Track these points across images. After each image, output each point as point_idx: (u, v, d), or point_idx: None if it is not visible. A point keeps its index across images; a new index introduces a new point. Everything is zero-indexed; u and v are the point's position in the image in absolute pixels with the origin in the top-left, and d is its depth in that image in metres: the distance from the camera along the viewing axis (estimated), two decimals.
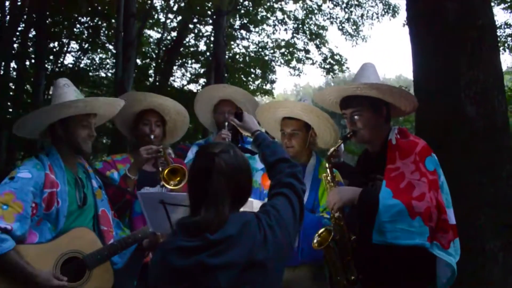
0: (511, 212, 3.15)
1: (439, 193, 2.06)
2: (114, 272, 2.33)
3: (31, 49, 12.24)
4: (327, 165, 2.37)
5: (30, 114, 2.25)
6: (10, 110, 9.97)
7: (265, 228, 1.51)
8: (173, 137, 3.18)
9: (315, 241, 2.29)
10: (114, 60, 15.10)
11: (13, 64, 11.67)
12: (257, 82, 17.11)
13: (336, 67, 16.08)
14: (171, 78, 15.68)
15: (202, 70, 16.52)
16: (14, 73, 12.09)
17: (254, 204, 2.11)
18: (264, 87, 17.16)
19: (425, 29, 3.67)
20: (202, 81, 16.54)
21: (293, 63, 16.39)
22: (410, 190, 2.01)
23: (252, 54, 16.50)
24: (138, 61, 15.24)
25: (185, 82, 17.29)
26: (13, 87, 11.34)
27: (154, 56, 16.32)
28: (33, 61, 11.68)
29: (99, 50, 15.19)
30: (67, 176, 2.26)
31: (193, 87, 16.89)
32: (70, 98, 2.24)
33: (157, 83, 14.18)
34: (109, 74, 15.77)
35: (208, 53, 15.58)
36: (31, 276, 1.99)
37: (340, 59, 15.82)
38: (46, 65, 14.15)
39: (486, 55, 3.37)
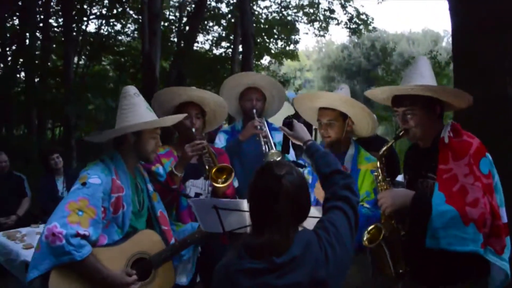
0: None
1: (493, 197, 2.02)
2: (179, 264, 2.53)
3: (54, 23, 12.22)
4: (378, 164, 2.34)
5: (110, 130, 2.34)
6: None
7: (325, 246, 1.53)
8: (212, 126, 3.20)
9: (364, 238, 2.29)
10: (136, 26, 15.08)
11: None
12: (279, 43, 16.84)
13: (362, 27, 15.62)
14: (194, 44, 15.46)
15: (224, 33, 16.32)
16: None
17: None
18: (287, 48, 16.88)
19: (468, 7, 3.54)
20: (224, 44, 16.39)
21: (316, 24, 15.98)
22: (464, 195, 1.98)
23: (275, 15, 16.14)
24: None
25: (207, 47, 17.14)
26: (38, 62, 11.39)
27: (176, 20, 16.17)
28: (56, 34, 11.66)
29: (120, 16, 15.07)
30: (129, 180, 2.35)
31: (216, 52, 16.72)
32: (142, 109, 2.33)
33: (181, 47, 14.05)
34: (130, 40, 15.71)
35: (230, 16, 15.33)
36: (108, 277, 2.12)
37: (366, 19, 15.34)
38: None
39: None
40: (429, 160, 2.21)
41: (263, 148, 3.15)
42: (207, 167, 2.70)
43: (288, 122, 2.18)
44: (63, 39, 11.16)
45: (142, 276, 2.28)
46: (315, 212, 1.89)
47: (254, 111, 3.33)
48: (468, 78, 3.56)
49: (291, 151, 3.33)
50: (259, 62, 17.01)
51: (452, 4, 3.78)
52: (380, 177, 2.32)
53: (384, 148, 2.34)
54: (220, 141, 3.50)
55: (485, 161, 2.08)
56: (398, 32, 38.07)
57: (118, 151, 2.37)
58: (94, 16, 14.65)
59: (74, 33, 14.61)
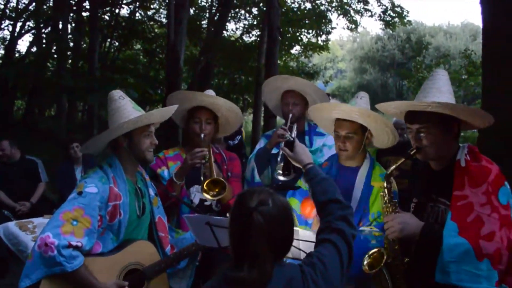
0: None
1: (511, 230, 1.87)
2: (175, 272, 2.50)
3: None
4: (385, 184, 2.19)
5: (98, 136, 2.31)
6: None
7: (309, 284, 1.46)
8: (226, 131, 3.15)
9: (365, 263, 2.17)
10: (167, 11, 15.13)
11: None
12: (311, 34, 16.56)
13: (396, 19, 15.15)
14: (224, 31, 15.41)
15: (255, 21, 16.19)
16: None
17: (300, 233, 2.06)
18: (319, 38, 16.60)
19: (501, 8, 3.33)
20: (255, 33, 16.26)
21: (347, 17, 15.59)
22: (479, 226, 1.85)
23: (307, 4, 15.86)
24: (191, 11, 15.13)
25: (238, 34, 17.04)
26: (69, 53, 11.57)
27: (207, 6, 16.14)
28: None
29: (151, 2, 15.17)
30: (128, 186, 2.33)
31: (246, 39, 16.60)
32: (129, 110, 2.28)
33: (210, 35, 14.03)
34: (161, 27, 15.78)
35: (261, 4, 15.17)
36: None
37: (401, 11, 14.86)
38: (103, 16, 14.41)
39: None
40: (442, 183, 2.07)
41: (278, 159, 3.01)
42: (202, 177, 2.67)
43: (289, 142, 2.08)
44: (87, 28, 11.25)
45: (135, 287, 2.25)
46: (311, 236, 1.83)
47: (290, 116, 3.19)
48: (497, 86, 3.37)
49: None
50: (289, 52, 16.82)
51: None
52: (386, 198, 2.18)
53: (392, 168, 2.18)
54: (260, 145, 3.40)
55: (504, 190, 1.93)
56: (435, 25, 36.82)
57: (116, 156, 2.34)
58: (126, 1, 14.78)
59: (107, 17, 14.83)
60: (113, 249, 2.25)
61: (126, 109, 2.28)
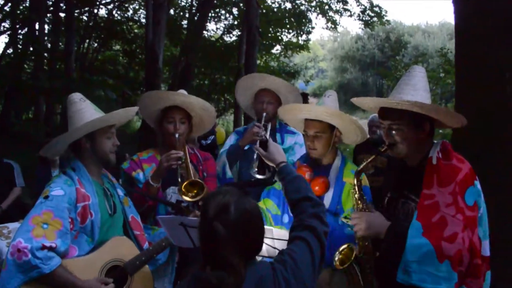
0: None
1: (475, 232, 1.89)
2: (156, 268, 2.48)
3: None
4: (355, 181, 2.22)
5: (56, 139, 2.28)
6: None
7: (280, 282, 1.47)
8: (200, 130, 3.14)
9: (336, 259, 2.19)
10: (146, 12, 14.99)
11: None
12: (291, 34, 16.62)
13: (375, 19, 15.33)
14: (204, 32, 15.35)
15: (236, 22, 16.17)
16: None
17: (274, 232, 2.07)
18: (299, 38, 16.66)
19: (473, 8, 3.37)
20: (235, 33, 16.23)
21: (330, 14, 15.72)
22: (442, 227, 1.86)
23: (287, 4, 15.91)
24: (172, 11, 15.03)
25: (218, 35, 17.00)
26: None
27: (187, 6, 16.05)
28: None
29: (130, 2, 15.02)
30: (96, 187, 2.31)
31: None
32: (90, 112, 2.27)
33: (190, 35, 13.95)
34: (140, 27, 15.64)
35: (241, 4, 15.16)
36: (83, 287, 2.07)
37: (379, 11, 15.04)
38: (81, 17, 14.20)
39: None
40: (413, 180, 2.08)
41: (254, 157, 3.01)
42: (179, 179, 2.65)
43: (263, 142, 2.09)
44: (63, 28, 11.07)
45: (118, 284, 2.24)
46: (286, 235, 1.83)
47: (264, 114, 3.19)
48: (469, 85, 3.41)
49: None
50: (270, 52, 16.85)
51: None
52: (356, 195, 2.20)
53: (362, 165, 2.21)
54: (230, 141, 3.41)
55: (471, 191, 1.93)
56: (414, 24, 37.29)
57: (79, 160, 2.32)
58: (104, 1, 14.60)
59: (86, 18, 14.60)
60: (89, 250, 2.22)
61: (88, 111, 2.27)
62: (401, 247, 1.88)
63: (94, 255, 2.22)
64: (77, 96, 2.32)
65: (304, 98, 5.19)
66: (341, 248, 2.22)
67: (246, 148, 3.16)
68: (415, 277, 1.84)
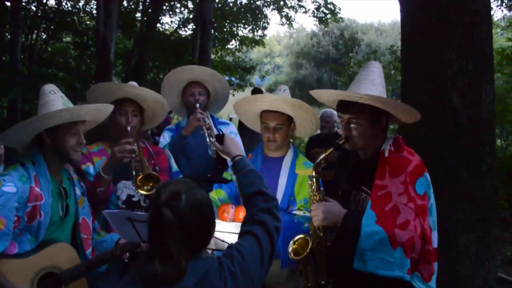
0: (487, 206, 3.14)
1: (426, 220, 1.96)
2: (97, 275, 2.37)
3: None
4: (313, 173, 2.22)
5: (15, 126, 2.16)
6: None
7: (226, 276, 1.46)
8: (152, 123, 3.10)
9: (290, 249, 2.20)
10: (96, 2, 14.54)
11: None
12: (247, 29, 16.64)
13: (329, 16, 15.62)
14: (158, 25, 15.08)
15: (191, 15, 15.97)
16: None
17: (222, 225, 2.08)
18: (255, 33, 16.71)
19: (417, 5, 3.50)
20: (190, 26, 16.05)
21: (285, 10, 15.87)
22: (395, 215, 1.92)
23: None
24: (125, 3, 14.65)
25: (173, 28, 16.73)
26: None
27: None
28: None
29: None
30: (52, 187, 2.22)
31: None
32: (57, 106, 2.17)
33: (143, 29, 13.67)
34: (92, 19, 15.15)
35: None
36: None
37: (333, 8, 15.34)
38: (29, 6, 13.56)
39: (478, 43, 3.22)
40: (365, 172, 2.14)
41: (207, 140, 3.09)
42: (133, 172, 2.60)
43: (219, 136, 2.10)
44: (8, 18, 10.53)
45: None
46: (233, 228, 1.85)
47: (198, 105, 3.24)
48: (414, 81, 3.54)
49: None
50: (225, 47, 16.79)
51: None
52: (314, 187, 2.21)
53: (321, 157, 2.22)
54: (165, 139, 3.40)
55: (421, 181, 2.00)
56: (367, 22, 38.35)
57: (41, 153, 2.23)
58: None
59: (34, 7, 13.95)
60: (30, 250, 2.13)
61: (55, 104, 2.17)
62: (356, 235, 1.92)
63: (31, 259, 2.12)
64: (48, 88, 2.23)
65: (259, 93, 5.26)
66: (296, 238, 2.23)
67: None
68: (370, 264, 1.89)
